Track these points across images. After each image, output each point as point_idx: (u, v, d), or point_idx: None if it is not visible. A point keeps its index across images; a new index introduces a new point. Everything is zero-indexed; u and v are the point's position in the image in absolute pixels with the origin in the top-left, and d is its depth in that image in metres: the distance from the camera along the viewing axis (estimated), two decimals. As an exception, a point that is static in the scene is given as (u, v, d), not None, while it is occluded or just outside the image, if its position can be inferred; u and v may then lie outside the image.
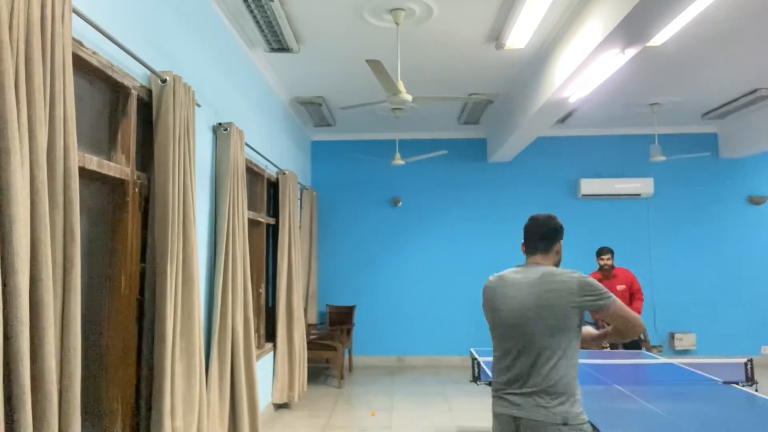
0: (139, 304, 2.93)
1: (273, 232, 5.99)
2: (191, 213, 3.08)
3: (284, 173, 5.82)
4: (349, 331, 7.60)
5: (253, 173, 5.25)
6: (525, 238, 2.38)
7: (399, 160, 6.82)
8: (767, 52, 5.10)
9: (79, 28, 2.30)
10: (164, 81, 2.96)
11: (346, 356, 7.48)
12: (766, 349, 7.65)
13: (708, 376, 3.87)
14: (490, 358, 4.29)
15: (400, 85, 4.19)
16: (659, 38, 4.47)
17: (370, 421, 5.30)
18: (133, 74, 2.84)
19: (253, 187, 5.37)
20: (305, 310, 6.96)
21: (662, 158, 6.86)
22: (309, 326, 7.07)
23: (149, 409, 2.83)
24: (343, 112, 6.98)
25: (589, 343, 2.38)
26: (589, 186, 7.85)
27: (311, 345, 6.61)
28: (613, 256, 5.90)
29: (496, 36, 4.75)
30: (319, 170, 8.30)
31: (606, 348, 5.71)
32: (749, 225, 7.86)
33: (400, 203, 8.16)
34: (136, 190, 2.89)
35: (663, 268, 7.84)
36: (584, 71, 4.41)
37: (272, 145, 5.88)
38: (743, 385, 3.58)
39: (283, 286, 5.63)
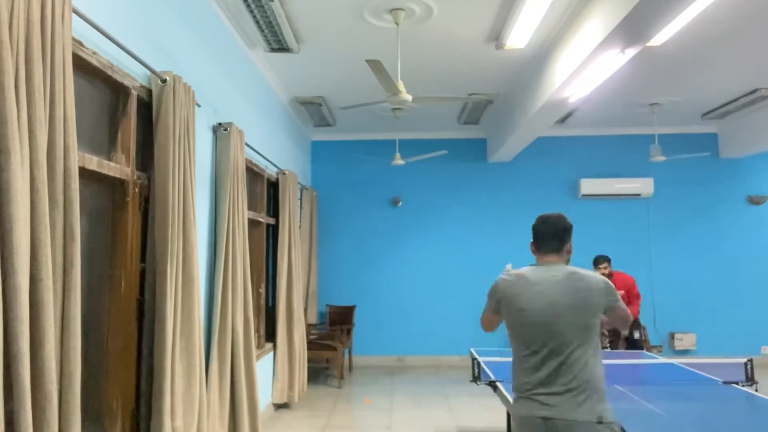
0: (139, 304, 2.93)
1: (273, 232, 5.99)
2: (191, 213, 3.08)
3: (284, 173, 5.82)
4: (349, 331, 7.60)
5: (253, 173, 5.25)
6: (535, 238, 2.37)
7: (399, 160, 6.82)
8: (767, 52, 5.10)
9: (79, 28, 2.30)
10: (164, 81, 2.96)
11: (346, 356, 7.48)
12: (766, 349, 7.65)
13: (708, 376, 3.87)
14: (490, 358, 4.32)
15: (400, 85, 4.19)
16: (659, 38, 4.47)
17: (370, 421, 5.31)
18: (133, 74, 2.84)
19: (253, 187, 5.36)
20: (305, 310, 6.96)
21: (662, 158, 6.86)
22: (309, 326, 7.07)
23: (149, 409, 2.83)
24: (343, 112, 6.98)
25: None
26: (589, 186, 7.85)
27: (311, 345, 6.61)
28: (610, 263, 5.87)
29: (496, 36, 4.74)
30: (319, 170, 8.30)
31: (606, 348, 5.72)
32: (749, 225, 7.86)
33: (400, 203, 8.16)
34: (136, 190, 2.89)
35: (663, 268, 7.84)
36: (584, 71, 4.41)
37: (272, 145, 5.88)
38: (743, 385, 3.58)
39: (283, 286, 5.63)
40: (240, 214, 4.12)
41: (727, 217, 7.90)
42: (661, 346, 7.68)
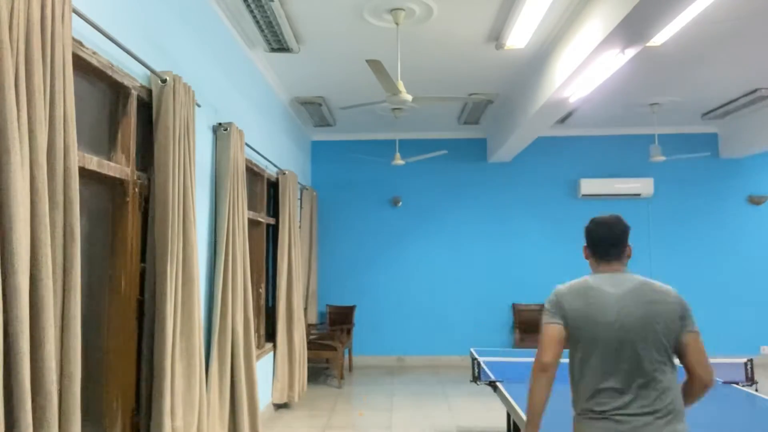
0: (139, 304, 2.93)
1: (273, 232, 5.99)
2: (191, 213, 3.08)
3: (284, 173, 5.82)
4: (349, 331, 7.60)
5: (253, 173, 5.25)
6: (594, 244, 2.15)
7: (399, 160, 6.82)
8: (767, 52, 5.10)
9: (79, 28, 2.30)
10: (164, 81, 2.96)
11: (346, 356, 7.48)
12: (766, 349, 7.65)
13: (708, 376, 3.86)
14: (490, 358, 4.32)
15: (400, 85, 4.19)
16: (659, 38, 4.47)
17: (370, 421, 5.31)
18: (133, 74, 2.84)
19: (253, 187, 5.36)
20: (305, 310, 6.96)
21: (662, 158, 6.86)
22: (309, 326, 7.07)
23: (149, 409, 2.83)
24: (343, 112, 6.98)
25: None
26: (589, 186, 7.86)
27: (311, 345, 6.61)
28: None
29: (496, 36, 4.75)
30: (319, 170, 8.30)
31: None
32: (749, 225, 7.86)
33: (400, 203, 8.16)
34: (136, 190, 2.89)
35: (663, 268, 7.84)
36: (584, 71, 4.41)
37: (272, 145, 5.88)
38: (743, 385, 3.58)
39: (283, 286, 5.63)
40: (240, 214, 4.12)
41: (727, 217, 7.90)
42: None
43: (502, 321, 7.94)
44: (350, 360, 7.64)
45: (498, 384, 3.54)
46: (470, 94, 6.33)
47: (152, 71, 2.92)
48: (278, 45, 4.83)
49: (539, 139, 7.66)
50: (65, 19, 2.02)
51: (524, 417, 2.78)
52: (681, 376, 2.01)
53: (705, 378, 1.97)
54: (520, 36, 4.62)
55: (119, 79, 2.70)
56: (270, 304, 5.90)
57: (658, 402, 1.91)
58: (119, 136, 2.82)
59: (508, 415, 3.89)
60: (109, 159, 2.76)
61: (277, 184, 5.82)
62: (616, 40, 3.77)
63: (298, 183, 6.75)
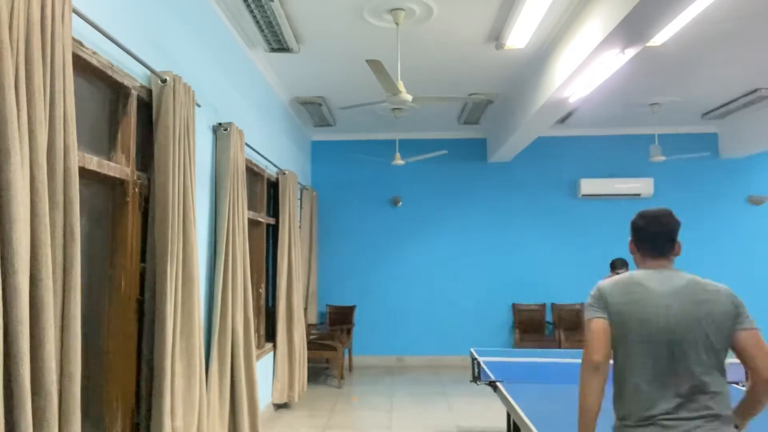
0: (139, 304, 2.93)
1: (273, 232, 5.99)
2: (191, 213, 3.08)
3: (284, 173, 5.82)
4: (349, 331, 7.60)
5: (253, 173, 5.25)
6: (642, 239, 2.02)
7: (399, 160, 6.82)
8: (767, 52, 5.10)
9: (79, 28, 2.30)
10: (164, 81, 2.97)
11: (346, 356, 7.48)
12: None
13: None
14: (490, 358, 4.32)
15: (400, 85, 4.19)
16: (659, 38, 4.47)
17: (370, 421, 5.31)
18: (133, 74, 2.84)
19: (253, 187, 5.36)
20: (305, 310, 6.96)
21: (662, 158, 6.86)
22: (309, 326, 7.07)
23: (149, 409, 2.83)
24: (343, 112, 6.98)
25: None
26: (589, 186, 7.85)
27: (311, 345, 6.62)
28: (628, 268, 5.79)
29: (496, 36, 4.75)
30: (319, 170, 8.30)
31: None
32: (749, 225, 7.86)
33: (400, 203, 8.16)
34: (136, 190, 2.89)
35: (663, 268, 7.83)
36: (584, 71, 4.41)
37: (272, 145, 5.88)
38: (743, 385, 3.58)
39: (283, 286, 5.63)
40: (240, 214, 4.13)
41: (727, 217, 7.90)
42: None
43: (502, 321, 7.94)
44: (350, 360, 7.64)
45: (498, 384, 3.54)
46: (470, 94, 6.33)
47: (152, 71, 2.93)
48: (278, 45, 4.83)
49: (539, 139, 7.66)
50: (65, 19, 2.02)
51: (524, 418, 2.79)
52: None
53: (764, 380, 1.87)
54: (520, 36, 4.62)
55: (119, 79, 2.70)
56: (270, 304, 5.90)
57: (707, 406, 1.82)
58: (119, 136, 2.82)
59: (508, 415, 3.89)
60: (109, 159, 2.76)
61: (277, 184, 5.82)
62: (616, 40, 3.77)
63: (298, 183, 6.75)
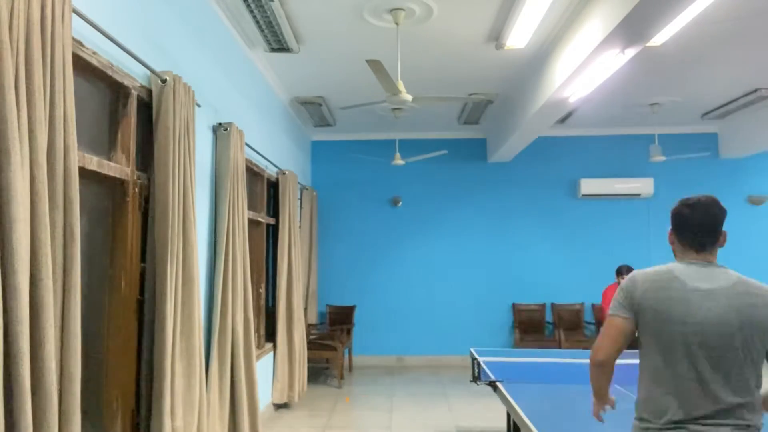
0: (139, 304, 2.93)
1: (273, 232, 5.99)
2: (191, 213, 3.08)
3: (284, 173, 5.82)
4: (349, 331, 7.60)
5: (253, 173, 5.25)
6: (682, 229, 1.86)
7: (399, 160, 6.82)
8: (767, 52, 5.10)
9: (79, 28, 2.30)
10: (164, 81, 2.96)
11: (346, 356, 7.48)
12: (766, 349, 7.64)
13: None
14: (490, 358, 4.31)
15: (400, 85, 4.19)
16: (659, 38, 4.46)
17: (370, 421, 5.31)
18: (133, 74, 2.84)
19: (253, 187, 5.36)
20: (305, 310, 6.96)
21: (662, 158, 6.86)
22: (309, 326, 7.07)
23: (149, 409, 2.83)
24: (343, 112, 6.98)
25: None
26: (589, 186, 7.85)
27: (311, 345, 6.61)
28: None
29: (496, 36, 4.74)
30: (319, 170, 8.30)
31: None
32: (749, 225, 7.86)
33: (400, 203, 8.16)
34: (136, 190, 2.89)
35: (663, 268, 7.83)
36: (584, 71, 4.41)
37: (272, 145, 5.88)
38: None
39: (283, 286, 5.63)
40: (240, 214, 4.12)
41: (727, 217, 7.84)
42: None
43: (502, 321, 7.95)
44: (350, 360, 7.64)
45: (498, 384, 3.54)
46: (470, 94, 6.33)
47: (152, 71, 2.93)
48: (278, 45, 4.83)
49: (539, 139, 7.66)
50: (65, 19, 2.02)
51: (524, 418, 2.79)
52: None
53: None
54: (520, 36, 4.61)
55: (119, 79, 2.70)
56: (270, 304, 5.90)
57: (740, 416, 1.69)
58: (119, 136, 2.82)
59: (508, 415, 3.89)
60: (109, 159, 2.76)
61: (277, 184, 5.82)
62: (616, 40, 3.77)
63: (298, 183, 6.75)
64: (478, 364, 3.95)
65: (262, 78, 5.48)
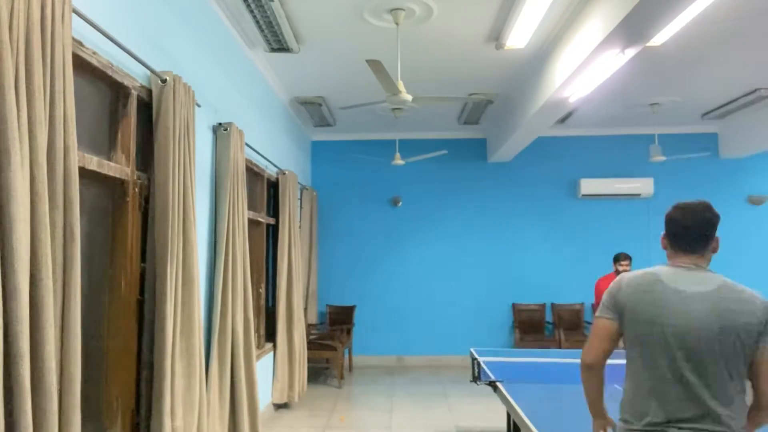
0: (139, 304, 2.93)
1: (273, 232, 5.99)
2: (191, 213, 3.08)
3: (284, 173, 5.82)
4: (349, 331, 7.60)
5: (253, 173, 5.25)
6: (675, 233, 1.87)
7: (399, 160, 6.82)
8: (767, 52, 5.10)
9: (79, 28, 2.30)
10: (164, 81, 2.96)
11: (346, 356, 7.48)
12: (766, 349, 7.64)
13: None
14: (490, 358, 4.31)
15: (400, 85, 4.19)
16: (659, 38, 4.46)
17: (370, 421, 5.31)
18: (133, 74, 2.84)
19: (253, 187, 5.36)
20: (305, 310, 6.96)
21: (662, 158, 6.86)
22: (309, 326, 7.07)
23: (149, 409, 2.83)
24: (343, 112, 6.98)
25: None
26: (589, 186, 7.85)
27: (311, 345, 6.61)
28: (631, 263, 5.81)
29: (496, 36, 4.74)
30: (319, 170, 8.30)
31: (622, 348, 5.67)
32: (749, 225, 7.86)
33: (400, 203, 8.16)
34: (136, 190, 2.89)
35: (663, 268, 7.83)
36: (584, 71, 4.41)
37: (272, 145, 5.88)
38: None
39: (283, 286, 5.63)
40: (240, 214, 4.12)
41: (727, 217, 7.84)
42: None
43: (502, 321, 7.94)
44: (350, 360, 7.64)
45: (498, 384, 3.54)
46: (470, 94, 6.33)
47: (152, 71, 2.92)
48: (278, 45, 4.83)
49: (539, 139, 7.66)
50: (65, 19, 2.01)
51: (524, 418, 2.79)
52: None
53: None
54: (520, 36, 4.61)
55: (119, 79, 2.70)
56: (270, 304, 5.90)
57: (718, 421, 1.69)
58: (119, 136, 2.82)
59: (508, 415, 3.89)
60: (109, 159, 2.76)
61: (277, 184, 5.82)
62: (616, 40, 3.77)
63: (298, 183, 6.75)
64: (478, 364, 3.95)
65: (262, 78, 5.48)
